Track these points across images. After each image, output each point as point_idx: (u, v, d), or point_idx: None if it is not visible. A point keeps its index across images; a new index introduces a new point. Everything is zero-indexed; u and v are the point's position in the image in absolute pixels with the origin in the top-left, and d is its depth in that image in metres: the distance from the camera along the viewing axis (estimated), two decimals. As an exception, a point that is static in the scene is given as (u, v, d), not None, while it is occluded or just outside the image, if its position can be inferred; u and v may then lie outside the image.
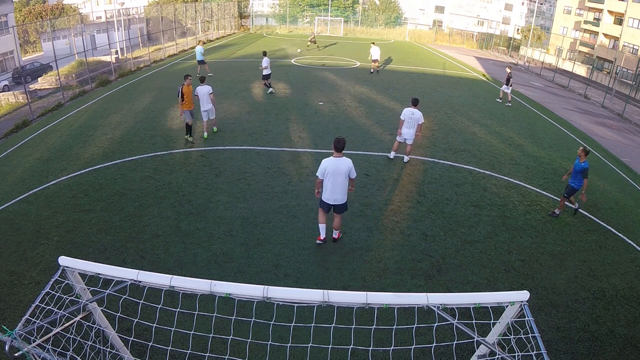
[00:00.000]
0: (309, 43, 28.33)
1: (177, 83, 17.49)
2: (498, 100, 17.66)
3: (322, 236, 6.78)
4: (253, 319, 3.32)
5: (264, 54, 16.11)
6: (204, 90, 10.81)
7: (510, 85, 16.90)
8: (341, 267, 6.34)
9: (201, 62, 18.42)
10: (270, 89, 15.96)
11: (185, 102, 10.51)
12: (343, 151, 6.23)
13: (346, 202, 6.47)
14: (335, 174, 6.12)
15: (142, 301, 3.29)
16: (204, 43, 18.87)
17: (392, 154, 10.39)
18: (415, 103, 9.74)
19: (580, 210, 8.49)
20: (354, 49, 30.10)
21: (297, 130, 12.25)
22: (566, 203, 8.37)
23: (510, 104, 17.10)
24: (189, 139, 10.95)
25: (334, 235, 6.94)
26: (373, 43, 22.00)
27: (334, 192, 6.25)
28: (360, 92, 17.12)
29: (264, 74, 15.77)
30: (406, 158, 10.31)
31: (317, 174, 6.29)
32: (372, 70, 21.26)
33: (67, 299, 3.07)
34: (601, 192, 9.86)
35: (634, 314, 5.81)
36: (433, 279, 6.23)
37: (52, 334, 3.01)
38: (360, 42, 35.16)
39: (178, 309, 3.50)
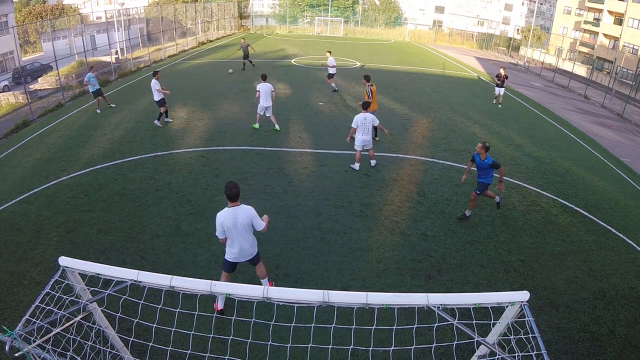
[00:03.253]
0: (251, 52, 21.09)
1: (178, 83, 17.56)
2: (498, 104, 16.91)
3: (221, 306, 5.20)
4: (253, 319, 3.33)
5: (154, 74, 12.01)
6: (266, 88, 11.34)
7: (503, 87, 16.62)
8: (341, 267, 6.34)
9: (97, 93, 13.53)
10: (168, 119, 12.77)
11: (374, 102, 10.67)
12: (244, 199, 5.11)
13: (258, 252, 5.20)
14: (235, 227, 4.73)
15: (142, 301, 3.30)
16: (94, 69, 14.07)
17: (356, 165, 9.72)
18: (365, 107, 9.34)
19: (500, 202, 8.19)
20: (353, 49, 30.10)
21: (297, 130, 12.25)
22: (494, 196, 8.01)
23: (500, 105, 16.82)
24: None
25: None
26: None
27: (242, 248, 4.91)
28: (360, 92, 17.10)
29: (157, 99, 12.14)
30: (373, 162, 9.91)
31: (216, 234, 4.83)
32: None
33: (67, 299, 3.07)
34: (601, 192, 9.85)
35: (634, 314, 5.81)
36: (433, 279, 6.23)
37: (52, 334, 3.01)
38: (360, 42, 35.17)
39: (178, 309, 3.51)
